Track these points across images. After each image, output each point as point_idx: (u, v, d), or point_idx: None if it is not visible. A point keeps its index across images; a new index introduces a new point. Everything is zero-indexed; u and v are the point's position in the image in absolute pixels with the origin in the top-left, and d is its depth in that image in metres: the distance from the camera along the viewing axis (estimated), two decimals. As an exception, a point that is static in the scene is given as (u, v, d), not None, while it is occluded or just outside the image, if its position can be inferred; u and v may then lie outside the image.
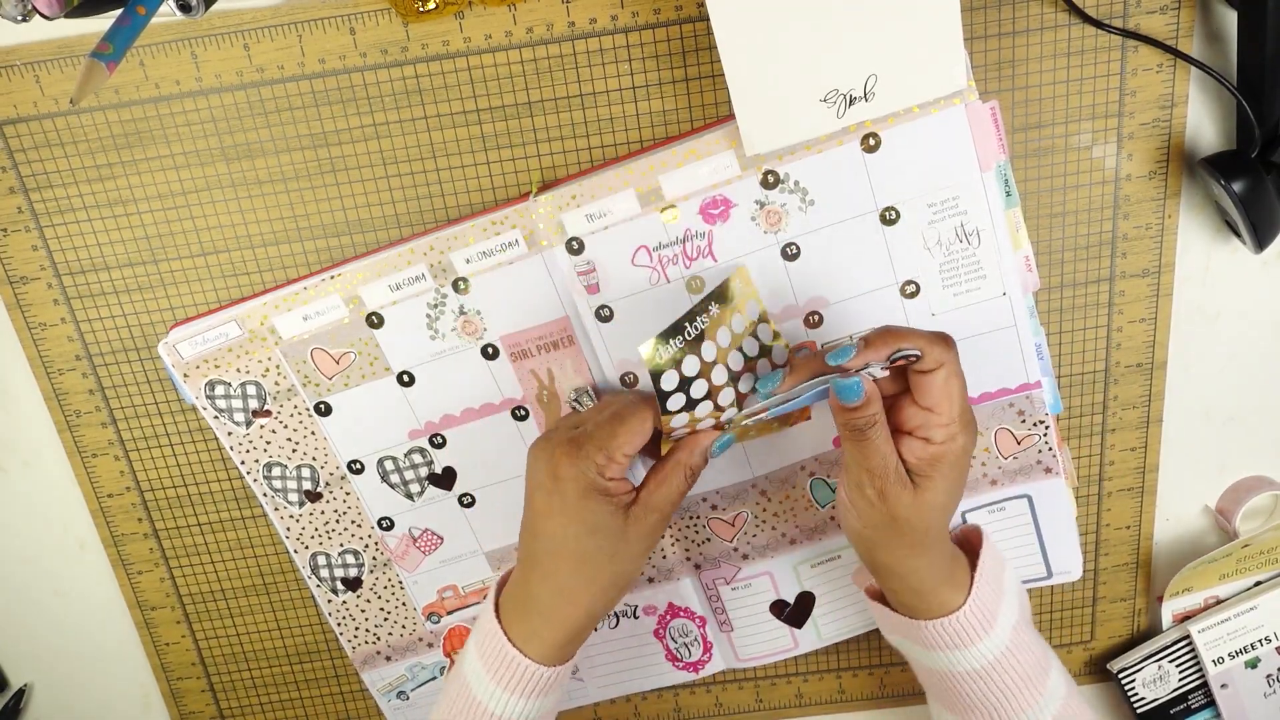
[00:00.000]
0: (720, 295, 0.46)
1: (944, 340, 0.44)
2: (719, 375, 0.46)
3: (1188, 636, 0.59)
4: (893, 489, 0.44)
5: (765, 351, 0.49)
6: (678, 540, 0.57)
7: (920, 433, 0.44)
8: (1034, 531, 0.57)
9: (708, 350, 0.45)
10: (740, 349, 0.47)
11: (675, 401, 0.45)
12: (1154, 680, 0.61)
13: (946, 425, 0.44)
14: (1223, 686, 0.59)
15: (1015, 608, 0.49)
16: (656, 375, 0.44)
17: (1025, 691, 0.48)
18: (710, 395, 0.46)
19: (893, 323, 0.47)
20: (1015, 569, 0.52)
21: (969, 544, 0.51)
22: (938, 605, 0.47)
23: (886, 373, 0.44)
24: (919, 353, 0.43)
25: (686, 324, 0.44)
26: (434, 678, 0.62)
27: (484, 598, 0.51)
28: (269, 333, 0.53)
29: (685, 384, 0.45)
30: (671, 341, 0.44)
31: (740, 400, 0.47)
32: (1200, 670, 0.60)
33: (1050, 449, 0.55)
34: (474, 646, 0.49)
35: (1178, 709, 0.61)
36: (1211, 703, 0.60)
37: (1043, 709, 0.48)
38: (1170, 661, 0.60)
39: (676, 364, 0.44)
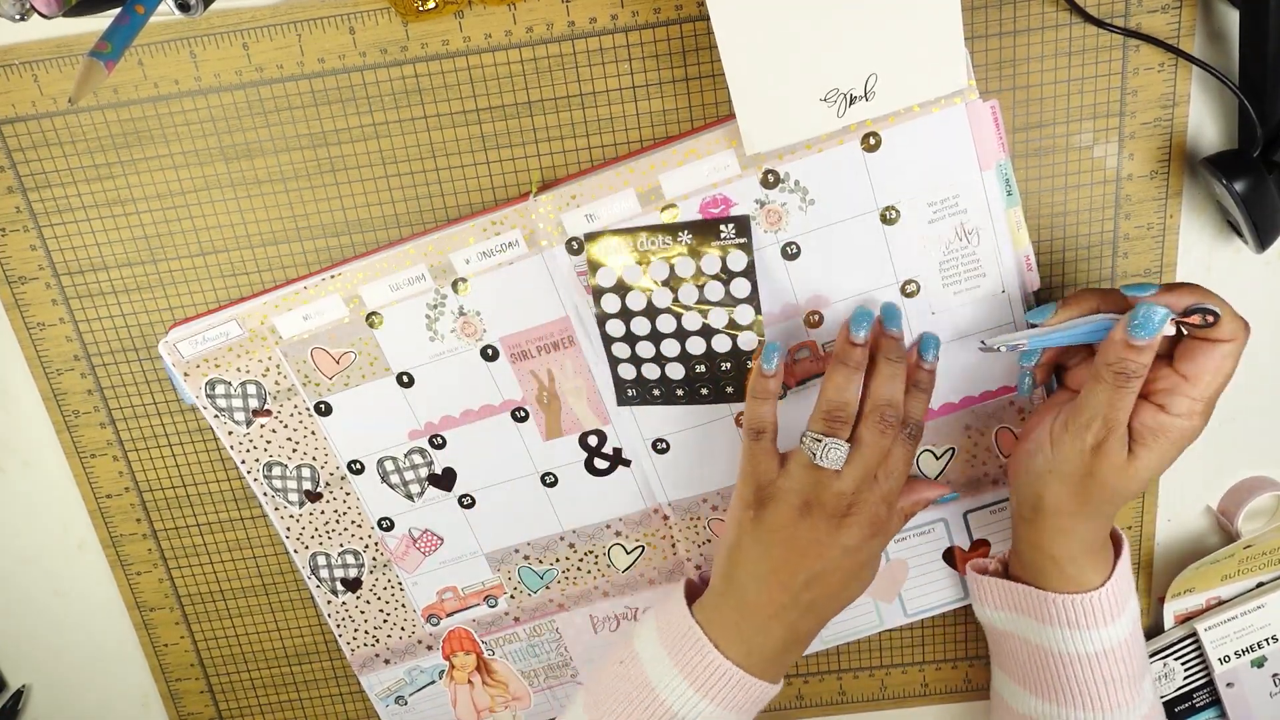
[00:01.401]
0: (697, 228, 0.47)
1: (1245, 320, 0.42)
2: (661, 298, 0.49)
3: (1194, 635, 0.59)
4: (1113, 445, 0.43)
5: (732, 302, 0.49)
6: (679, 542, 0.57)
7: (1160, 398, 0.43)
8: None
9: (657, 268, 0.48)
10: (701, 287, 0.49)
11: (610, 302, 0.49)
12: (1159, 678, 0.60)
13: (1194, 400, 0.43)
14: (1228, 685, 0.59)
15: (1136, 606, 0.49)
16: (594, 267, 0.47)
17: (1127, 687, 0.48)
18: (646, 313, 0.48)
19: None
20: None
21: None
22: (1074, 579, 0.47)
23: (1173, 329, 0.42)
24: (1219, 313, 0.41)
25: (643, 233, 0.47)
26: (432, 681, 0.62)
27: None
28: (269, 332, 0.53)
29: (622, 289, 0.48)
30: (615, 237, 0.47)
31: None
32: (1206, 668, 0.60)
33: (1052, 449, 0.54)
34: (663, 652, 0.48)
35: (1182, 707, 0.61)
36: (1217, 701, 0.60)
37: (1136, 709, 0.48)
38: (1176, 659, 0.60)
39: (623, 266, 0.47)
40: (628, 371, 0.52)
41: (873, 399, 0.47)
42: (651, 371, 0.51)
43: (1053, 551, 0.47)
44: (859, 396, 0.47)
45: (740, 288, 0.49)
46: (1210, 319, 0.42)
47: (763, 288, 0.51)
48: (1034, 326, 0.47)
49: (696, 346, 0.51)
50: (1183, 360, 0.43)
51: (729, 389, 0.52)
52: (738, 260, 0.49)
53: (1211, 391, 0.43)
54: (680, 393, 0.52)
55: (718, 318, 0.50)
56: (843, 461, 0.46)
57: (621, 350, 0.50)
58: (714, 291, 0.49)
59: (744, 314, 0.50)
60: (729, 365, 0.51)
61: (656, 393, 0.52)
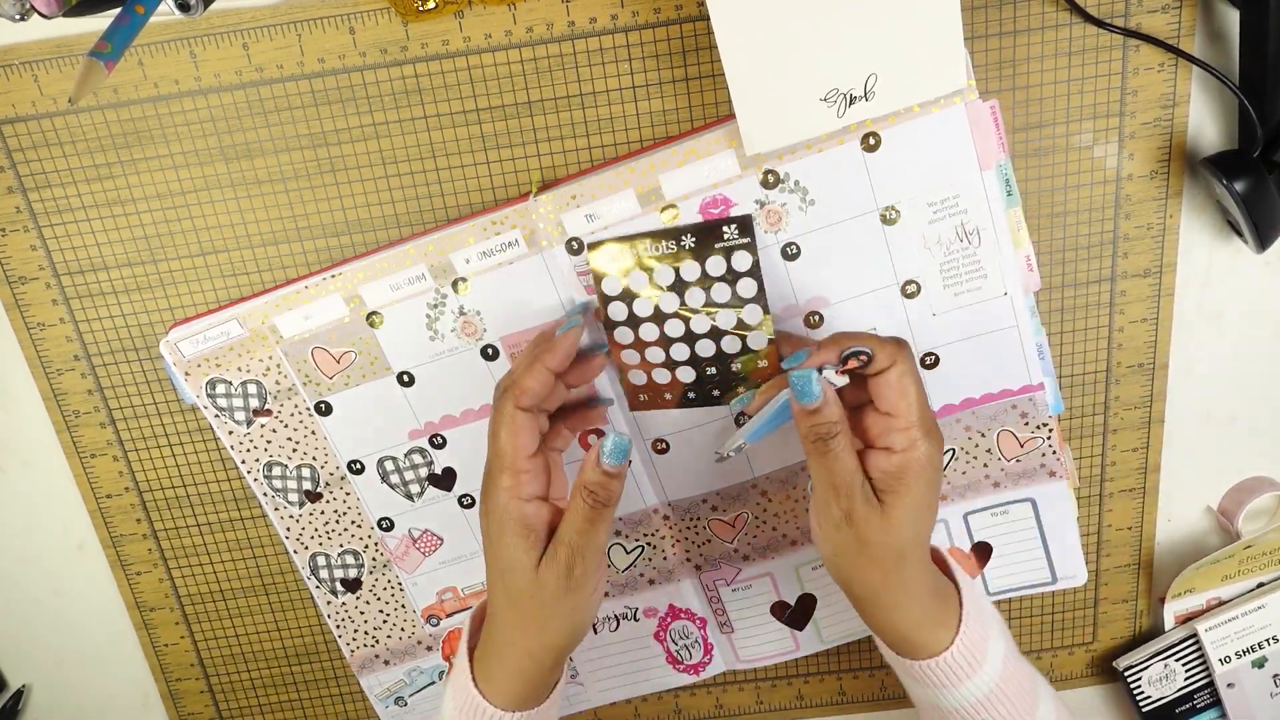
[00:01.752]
0: (700, 231, 0.45)
1: (896, 341, 0.43)
2: (668, 302, 0.45)
3: (1194, 635, 0.59)
4: (860, 508, 0.42)
5: (739, 303, 0.47)
6: (678, 541, 0.57)
7: (882, 442, 0.42)
8: (1038, 536, 0.57)
9: (663, 274, 0.45)
10: (708, 290, 0.47)
11: (618, 310, 0.45)
12: (1160, 679, 0.60)
13: (906, 429, 0.42)
14: (1229, 685, 0.59)
15: (1001, 638, 0.46)
16: (598, 278, 0.44)
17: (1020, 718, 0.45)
18: (654, 319, 0.46)
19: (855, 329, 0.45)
20: (983, 589, 0.50)
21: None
22: (924, 646, 0.45)
23: (845, 379, 0.43)
24: (869, 350, 0.42)
25: (646, 239, 0.44)
26: (432, 683, 0.62)
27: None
28: (270, 331, 0.53)
29: (628, 297, 0.45)
30: (618, 245, 0.44)
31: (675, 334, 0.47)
32: (1206, 669, 0.60)
33: (1054, 453, 0.54)
34: (449, 680, 0.48)
35: (1183, 708, 0.61)
36: (1217, 702, 0.60)
37: None
38: (1176, 660, 0.60)
39: (627, 274, 0.44)
40: (638, 377, 0.51)
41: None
42: (662, 376, 0.51)
43: (894, 630, 0.45)
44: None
45: (747, 288, 0.49)
46: (864, 359, 0.42)
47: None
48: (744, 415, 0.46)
49: (706, 349, 0.50)
50: (876, 398, 0.43)
51: (740, 389, 0.51)
52: (742, 260, 0.49)
53: (915, 415, 0.42)
54: (692, 395, 0.52)
55: (726, 319, 0.49)
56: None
57: (631, 356, 0.50)
58: (721, 293, 0.49)
59: (752, 314, 0.49)
60: (739, 365, 0.51)
61: (668, 396, 0.52)
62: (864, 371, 0.43)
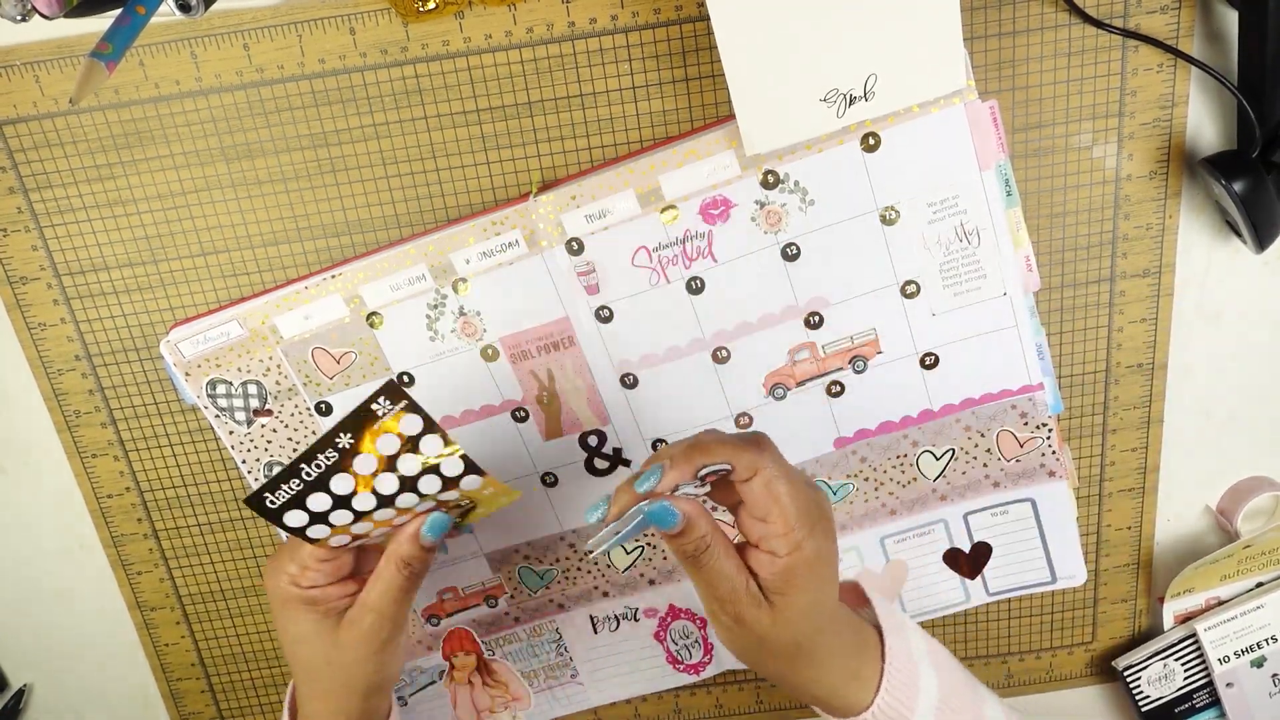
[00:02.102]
0: (352, 423, 0.40)
1: (755, 443, 0.39)
2: (364, 501, 0.42)
3: (1193, 635, 0.59)
4: (748, 613, 0.39)
5: (431, 468, 0.42)
6: (678, 541, 0.57)
7: (765, 546, 0.40)
8: (1038, 536, 0.57)
9: (340, 484, 0.41)
10: (394, 469, 0.41)
11: (318, 531, 0.42)
12: (1159, 678, 0.60)
13: (786, 534, 0.39)
14: (1228, 685, 0.59)
15: (933, 682, 0.44)
16: (275, 519, 0.41)
17: None
18: (361, 518, 0.42)
19: (709, 430, 0.42)
20: (918, 627, 0.47)
21: (855, 605, 0.46)
22: (844, 706, 0.42)
23: (707, 487, 0.41)
24: (728, 466, 0.39)
25: (304, 465, 0.40)
26: (432, 682, 0.62)
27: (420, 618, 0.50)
28: (270, 332, 0.53)
29: (320, 517, 0.42)
30: (284, 487, 0.40)
31: (401, 513, 0.43)
32: (1205, 669, 0.60)
33: (1054, 452, 0.54)
34: None
35: (1182, 707, 0.61)
36: (1216, 701, 0.60)
37: None
38: (1176, 660, 0.60)
39: (300, 503, 0.41)
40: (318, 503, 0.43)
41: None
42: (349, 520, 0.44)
43: (814, 698, 0.43)
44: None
45: (431, 445, 0.41)
46: (724, 471, 0.40)
47: (763, 288, 0.51)
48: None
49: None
50: (747, 504, 0.40)
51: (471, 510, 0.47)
52: (411, 425, 0.40)
53: (793, 517, 0.39)
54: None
55: (420, 476, 0.42)
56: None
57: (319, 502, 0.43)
58: (408, 465, 0.41)
59: (450, 466, 0.42)
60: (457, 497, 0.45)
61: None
62: (730, 480, 0.40)
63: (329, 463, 0.40)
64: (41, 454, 0.58)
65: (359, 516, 0.42)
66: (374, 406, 0.40)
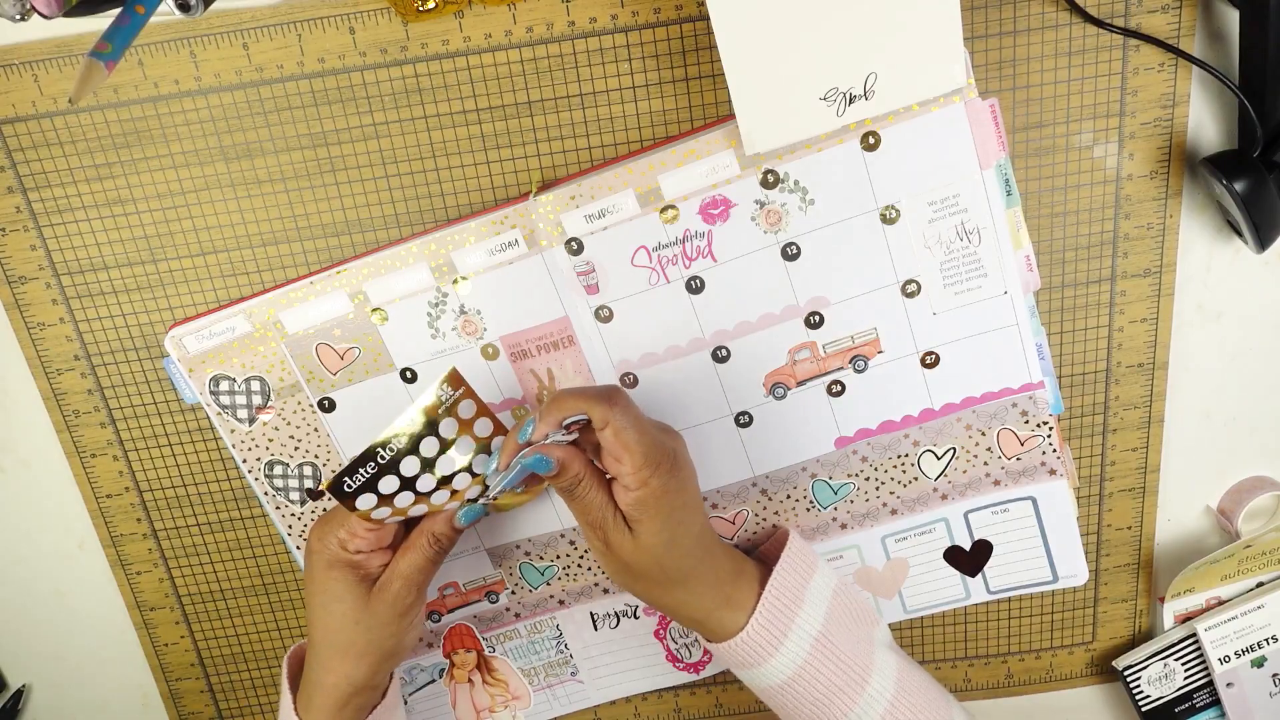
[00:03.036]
0: (421, 409, 0.46)
1: (607, 397, 0.45)
2: (426, 483, 0.47)
3: (1194, 635, 0.59)
4: (614, 537, 0.46)
5: (483, 448, 0.48)
6: (678, 541, 0.57)
7: (621, 481, 0.46)
8: (1039, 535, 0.57)
9: (408, 466, 0.46)
10: (453, 452, 0.48)
11: (381, 513, 0.47)
12: (1159, 678, 0.60)
13: (634, 473, 0.45)
14: (1228, 685, 0.59)
15: (818, 614, 0.50)
16: (349, 500, 0.46)
17: (836, 700, 0.49)
18: (419, 499, 0.48)
19: (569, 388, 0.47)
20: (832, 569, 0.53)
21: (778, 551, 0.51)
22: (719, 628, 0.49)
23: (575, 434, 0.47)
24: (585, 416, 0.45)
25: (380, 449, 0.45)
26: (433, 680, 0.62)
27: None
28: (274, 327, 0.53)
29: (387, 499, 0.47)
30: (360, 471, 0.45)
31: (454, 496, 0.49)
32: (1206, 669, 0.60)
33: (1054, 451, 0.54)
34: (279, 716, 0.52)
35: (1183, 707, 0.61)
36: (1217, 701, 0.60)
37: (860, 715, 0.49)
38: (1176, 660, 0.60)
39: (373, 486, 0.46)
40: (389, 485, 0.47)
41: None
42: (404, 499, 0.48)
43: (688, 618, 0.49)
44: None
45: (483, 427, 0.48)
46: (584, 422, 0.46)
47: (763, 287, 0.51)
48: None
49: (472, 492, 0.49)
50: (604, 450, 0.46)
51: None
52: (468, 409, 0.47)
53: (639, 458, 0.45)
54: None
55: (482, 464, 0.48)
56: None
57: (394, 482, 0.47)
58: (464, 447, 0.48)
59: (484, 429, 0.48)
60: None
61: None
62: (591, 430, 0.46)
63: (400, 446, 0.46)
64: (40, 454, 0.58)
65: (418, 498, 0.47)
66: (440, 394, 0.46)
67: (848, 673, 0.49)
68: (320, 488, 0.53)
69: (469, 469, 0.48)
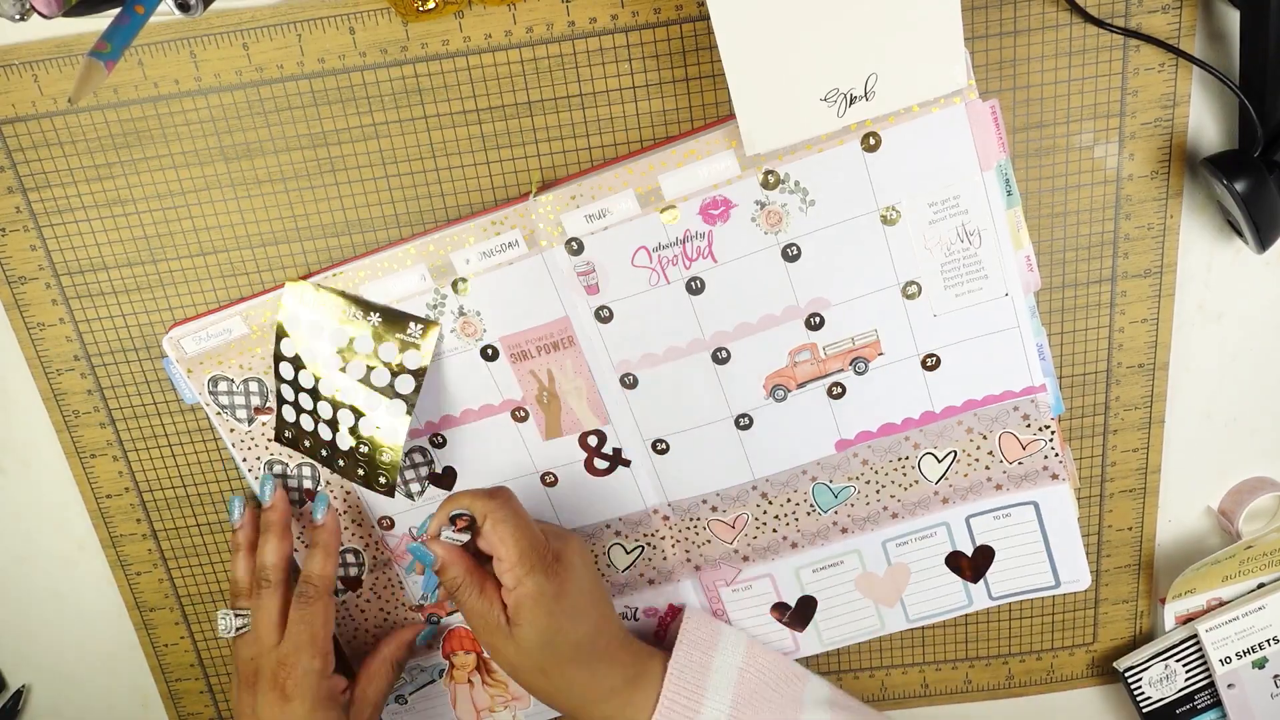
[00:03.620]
0: (390, 315, 0.51)
1: (489, 494, 0.48)
2: (329, 361, 0.52)
3: (1195, 636, 0.59)
4: (496, 640, 0.48)
5: (390, 394, 0.52)
6: (678, 542, 0.57)
7: (500, 578, 0.48)
8: (1041, 540, 0.57)
9: (337, 335, 0.52)
10: (372, 372, 0.52)
11: (286, 369, 0.52)
12: (1160, 679, 0.60)
13: (510, 569, 0.47)
14: (1229, 686, 0.59)
15: (725, 703, 0.50)
16: (280, 333, 0.52)
17: None
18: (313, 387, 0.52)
19: (471, 488, 0.50)
20: (740, 636, 0.54)
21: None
22: (621, 717, 0.50)
23: (466, 536, 0.48)
24: (468, 512, 0.48)
25: (341, 299, 0.51)
26: (433, 680, 0.62)
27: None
28: (271, 329, 0.53)
29: (297, 366, 0.52)
30: (323, 292, 0.51)
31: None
32: (1207, 670, 0.59)
33: (1056, 455, 0.54)
34: None
35: (1184, 709, 0.61)
36: (1218, 703, 0.60)
37: None
38: (1177, 661, 0.60)
39: (314, 326, 0.52)
40: (289, 414, 0.54)
41: (256, 565, 0.53)
42: (307, 423, 0.53)
43: (577, 707, 0.50)
44: (250, 567, 0.54)
45: (404, 384, 0.51)
46: (468, 519, 0.48)
47: (763, 288, 0.51)
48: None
49: (347, 419, 0.52)
50: (483, 547, 0.48)
51: (360, 471, 0.53)
52: (412, 359, 0.51)
53: (515, 556, 0.47)
54: (324, 453, 0.54)
55: (370, 401, 0.52)
56: (233, 631, 0.52)
57: (288, 393, 0.53)
58: (379, 378, 0.51)
59: (395, 409, 0.51)
60: (367, 450, 0.52)
61: (307, 444, 0.54)
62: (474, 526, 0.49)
63: (351, 315, 0.51)
64: (40, 454, 0.58)
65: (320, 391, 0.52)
66: (411, 324, 0.51)
67: None
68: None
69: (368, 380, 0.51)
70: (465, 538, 0.48)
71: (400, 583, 0.59)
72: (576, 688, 0.49)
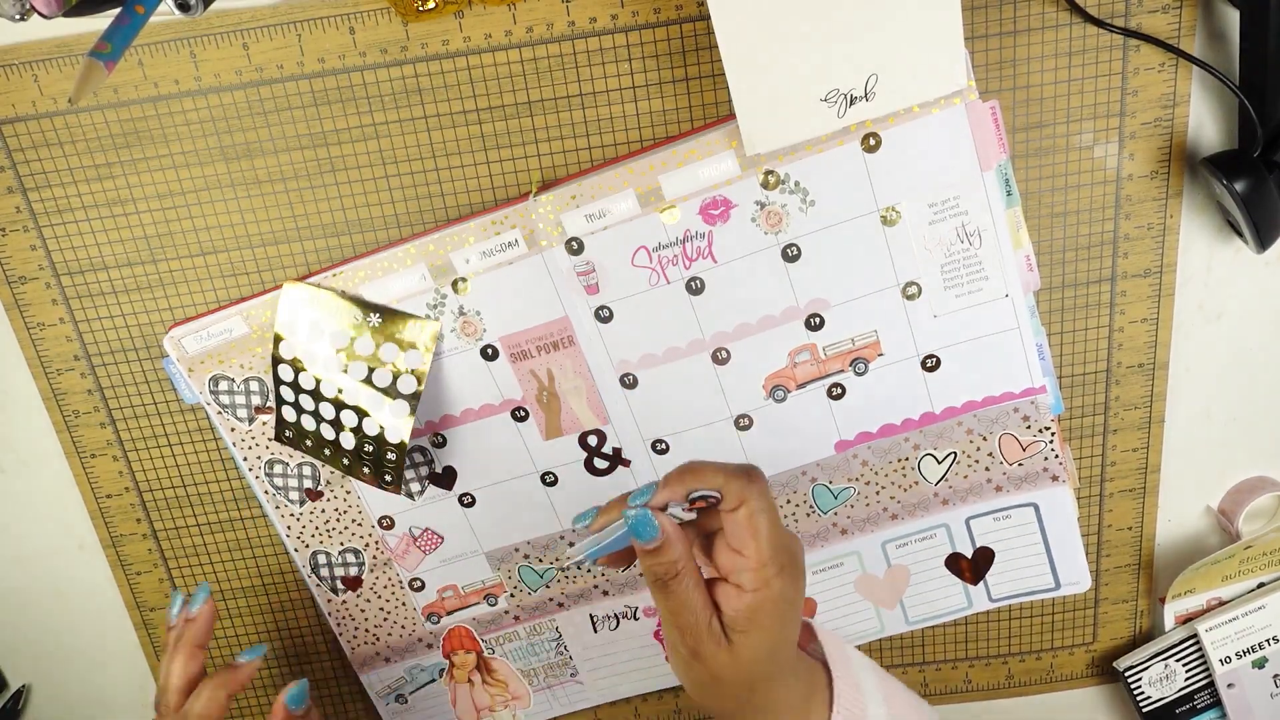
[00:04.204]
0: (390, 314, 0.51)
1: (747, 474, 0.40)
2: (332, 362, 0.51)
3: (1195, 635, 0.59)
4: (706, 648, 0.39)
5: (393, 395, 0.52)
6: (678, 541, 0.57)
7: (734, 579, 0.40)
8: (1041, 541, 0.57)
9: (340, 336, 0.51)
10: (373, 372, 0.51)
11: (285, 371, 0.51)
12: (1160, 679, 0.60)
13: (757, 569, 0.39)
14: (1229, 686, 0.59)
15: (879, 697, 0.44)
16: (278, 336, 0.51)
17: None
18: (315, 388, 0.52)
19: (702, 458, 0.42)
20: (870, 663, 0.47)
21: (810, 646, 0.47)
22: None
23: (692, 515, 0.42)
24: (718, 494, 0.40)
25: (342, 298, 0.51)
26: (433, 680, 0.62)
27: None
28: (271, 329, 0.53)
29: (297, 370, 0.51)
30: (324, 291, 0.51)
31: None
32: (1207, 669, 0.60)
33: (1056, 457, 0.54)
34: None
35: (1184, 708, 0.61)
36: (1218, 702, 0.60)
37: None
38: (1177, 660, 0.60)
39: (313, 323, 0.51)
40: (289, 414, 0.53)
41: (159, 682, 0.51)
42: (309, 422, 0.53)
43: None
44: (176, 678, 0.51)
45: (407, 384, 0.51)
46: (713, 500, 0.40)
47: (763, 289, 0.51)
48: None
49: (350, 419, 0.52)
50: (727, 533, 0.40)
51: (365, 469, 0.53)
52: (413, 359, 0.51)
53: (767, 553, 0.39)
54: (326, 453, 0.54)
55: (373, 402, 0.52)
56: None
57: (288, 394, 0.53)
58: (381, 379, 0.51)
59: (399, 409, 0.51)
60: (372, 449, 0.53)
61: (308, 443, 0.54)
62: (714, 510, 0.41)
63: (352, 317, 0.51)
64: (40, 454, 0.58)
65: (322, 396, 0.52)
66: (409, 322, 0.50)
67: None
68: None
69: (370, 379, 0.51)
70: (693, 516, 0.42)
71: (401, 582, 0.59)
72: (770, 704, 0.42)
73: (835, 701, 0.42)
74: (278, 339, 0.52)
